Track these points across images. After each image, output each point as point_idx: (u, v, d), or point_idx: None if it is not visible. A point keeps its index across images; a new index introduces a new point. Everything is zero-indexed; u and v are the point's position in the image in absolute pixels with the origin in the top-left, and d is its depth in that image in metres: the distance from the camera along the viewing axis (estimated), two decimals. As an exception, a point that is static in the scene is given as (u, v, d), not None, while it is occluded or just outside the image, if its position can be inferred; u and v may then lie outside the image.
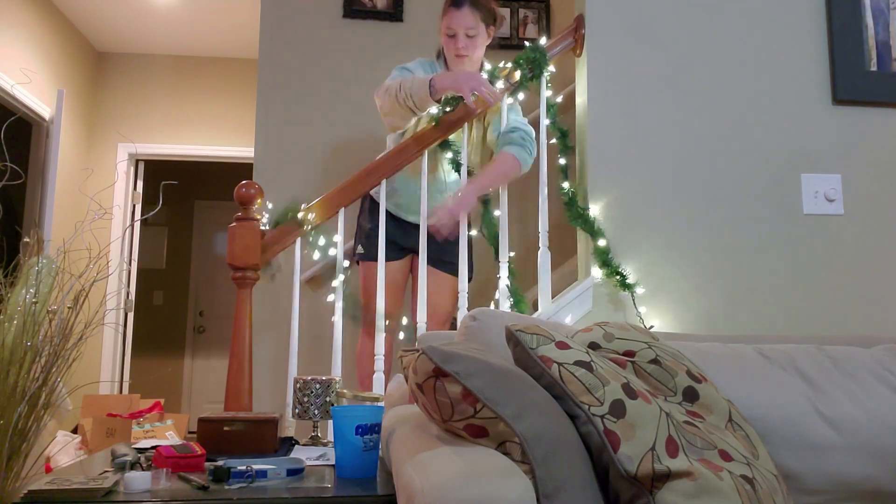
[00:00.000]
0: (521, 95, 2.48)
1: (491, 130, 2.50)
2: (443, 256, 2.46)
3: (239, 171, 5.17)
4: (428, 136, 2.34)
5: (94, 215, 4.72)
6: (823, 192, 2.41)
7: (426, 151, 2.36)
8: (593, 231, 2.30)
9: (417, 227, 2.43)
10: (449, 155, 2.41)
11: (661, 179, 2.38)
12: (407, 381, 1.20)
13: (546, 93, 2.44)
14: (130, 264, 5.17)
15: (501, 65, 2.44)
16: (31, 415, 1.21)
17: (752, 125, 2.43)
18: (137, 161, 5.29)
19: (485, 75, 2.34)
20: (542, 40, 2.47)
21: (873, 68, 2.47)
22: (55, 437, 3.25)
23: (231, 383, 2.14)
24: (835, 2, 2.47)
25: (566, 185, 2.39)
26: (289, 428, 2.11)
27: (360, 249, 2.54)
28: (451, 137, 2.38)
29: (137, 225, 5.40)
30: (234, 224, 2.20)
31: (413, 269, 2.60)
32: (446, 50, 2.47)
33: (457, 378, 1.08)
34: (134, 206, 5.22)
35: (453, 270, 2.43)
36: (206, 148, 5.26)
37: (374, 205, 2.51)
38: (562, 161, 2.42)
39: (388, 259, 2.40)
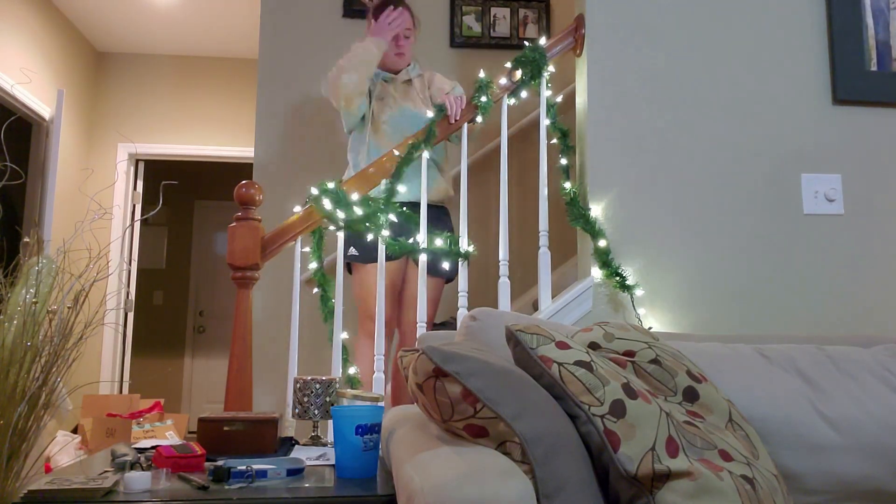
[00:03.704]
0: (523, 94, 2.48)
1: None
2: (436, 260, 2.46)
3: (239, 171, 5.18)
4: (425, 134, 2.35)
5: (94, 215, 4.72)
6: (823, 192, 2.41)
7: (426, 151, 2.36)
8: (594, 231, 2.30)
9: (410, 206, 2.42)
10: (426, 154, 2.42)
11: (660, 180, 2.38)
12: (407, 381, 1.20)
13: (546, 93, 2.44)
14: (130, 264, 5.17)
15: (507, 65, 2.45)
16: (31, 415, 1.21)
17: (752, 125, 2.43)
18: (137, 161, 5.29)
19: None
20: (542, 40, 2.47)
21: (873, 68, 2.47)
22: (55, 437, 3.25)
23: (231, 383, 2.14)
24: (835, 2, 2.47)
25: (567, 185, 2.39)
26: (289, 428, 2.11)
27: (352, 251, 2.53)
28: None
29: (137, 225, 5.40)
30: (234, 224, 2.20)
31: (406, 273, 2.62)
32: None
33: (457, 378, 1.08)
34: (134, 206, 5.22)
35: (440, 273, 2.50)
36: (206, 148, 5.27)
37: None
38: (563, 161, 2.43)
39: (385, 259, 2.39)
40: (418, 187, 2.38)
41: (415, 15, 2.72)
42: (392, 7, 2.61)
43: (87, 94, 5.11)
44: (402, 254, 2.50)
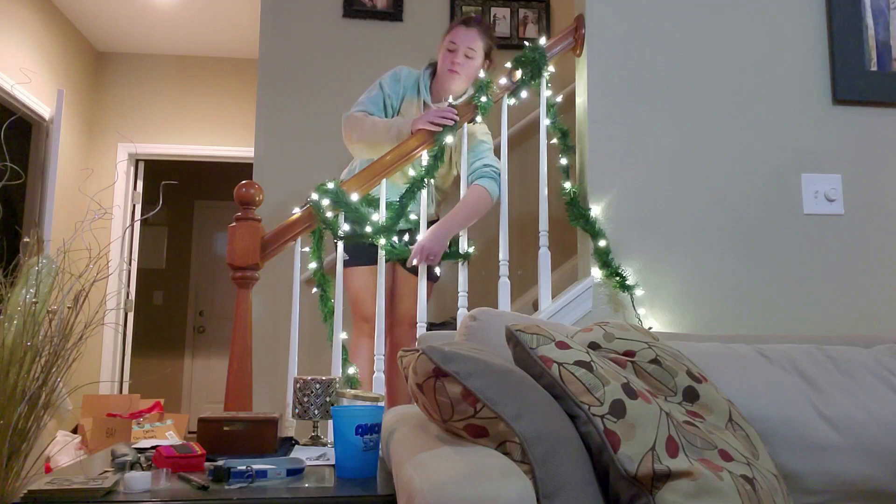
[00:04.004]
0: (523, 94, 2.48)
1: (461, 157, 2.45)
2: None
3: (239, 171, 5.18)
4: (423, 137, 2.35)
5: (94, 215, 4.72)
6: (823, 192, 2.41)
7: (420, 156, 2.36)
8: (594, 231, 2.30)
9: (398, 232, 2.44)
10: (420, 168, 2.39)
11: (660, 180, 2.38)
12: (407, 380, 1.20)
13: (546, 93, 2.44)
14: (130, 264, 5.17)
15: (508, 64, 2.45)
16: (31, 415, 1.21)
17: (752, 125, 2.43)
18: (137, 161, 5.30)
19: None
20: (542, 40, 2.47)
21: (873, 68, 2.47)
22: (55, 437, 3.25)
23: (231, 383, 2.14)
24: (835, 2, 2.47)
25: (567, 185, 2.39)
26: (289, 428, 2.11)
27: (344, 256, 2.52)
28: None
29: (137, 225, 5.40)
30: (234, 224, 2.20)
31: (394, 275, 2.61)
32: (441, 62, 2.49)
33: (457, 378, 1.08)
34: (134, 206, 5.22)
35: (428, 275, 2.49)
36: (206, 148, 5.27)
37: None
38: (563, 161, 2.42)
39: (372, 263, 2.38)
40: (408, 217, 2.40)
41: (490, 39, 2.51)
42: (464, 25, 2.47)
43: (87, 94, 5.11)
44: (393, 258, 2.52)
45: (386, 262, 2.54)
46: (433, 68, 2.57)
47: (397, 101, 2.53)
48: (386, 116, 2.52)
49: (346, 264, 2.54)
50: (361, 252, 2.40)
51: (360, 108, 2.51)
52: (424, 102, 2.52)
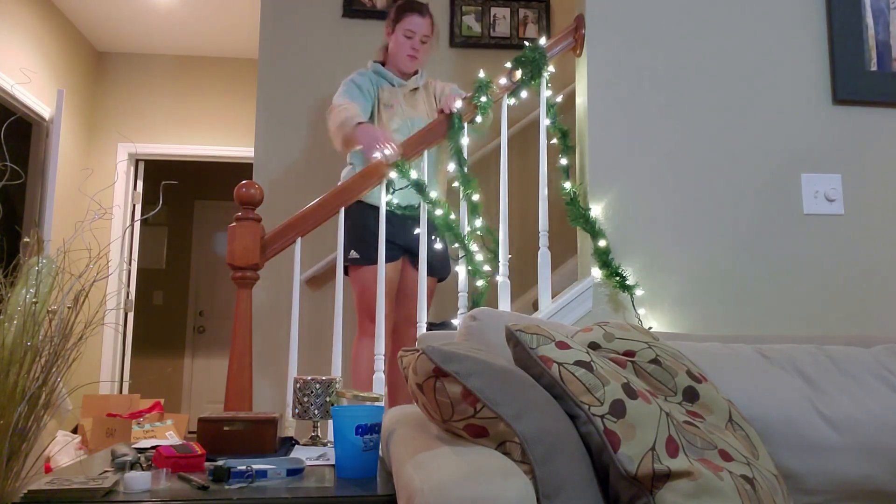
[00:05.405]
0: (523, 94, 2.48)
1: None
2: (430, 259, 2.46)
3: (239, 171, 5.18)
4: (432, 133, 2.35)
5: (94, 215, 4.72)
6: (823, 192, 2.41)
7: (425, 152, 2.37)
8: (594, 231, 2.30)
9: (409, 219, 2.54)
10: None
11: (660, 179, 2.38)
12: (407, 380, 1.20)
13: (546, 93, 2.44)
14: (130, 264, 5.17)
15: (508, 65, 2.45)
16: (31, 415, 1.21)
17: (752, 125, 2.43)
18: (137, 161, 5.29)
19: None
20: (542, 40, 2.47)
21: (873, 68, 2.47)
22: (55, 437, 3.25)
23: (231, 383, 2.14)
24: (835, 2, 2.47)
25: (567, 185, 2.39)
26: (289, 428, 2.11)
27: (353, 255, 2.54)
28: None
29: (137, 225, 5.40)
30: (234, 224, 2.20)
31: (404, 275, 2.63)
32: (399, 48, 2.68)
33: (457, 378, 1.08)
34: (134, 206, 5.22)
35: (433, 273, 2.54)
36: (206, 148, 5.27)
37: (362, 205, 2.54)
38: (563, 161, 2.42)
39: (384, 261, 2.40)
40: (414, 197, 2.46)
41: (434, 22, 2.74)
42: (418, 14, 2.67)
43: (87, 94, 5.11)
44: (402, 253, 2.57)
45: (396, 260, 2.57)
46: (381, 61, 2.76)
47: (374, 91, 2.68)
48: (368, 101, 2.64)
49: (356, 263, 2.55)
50: (373, 250, 2.39)
51: (340, 99, 2.61)
52: (391, 84, 2.69)
